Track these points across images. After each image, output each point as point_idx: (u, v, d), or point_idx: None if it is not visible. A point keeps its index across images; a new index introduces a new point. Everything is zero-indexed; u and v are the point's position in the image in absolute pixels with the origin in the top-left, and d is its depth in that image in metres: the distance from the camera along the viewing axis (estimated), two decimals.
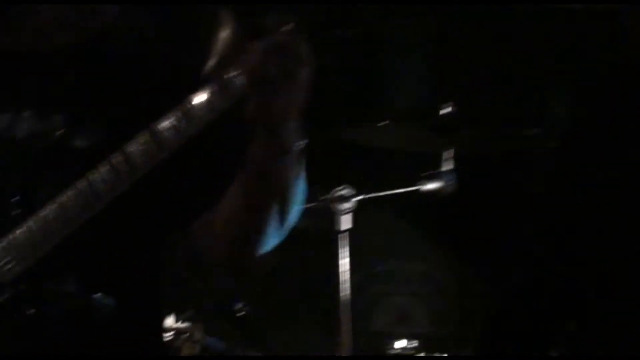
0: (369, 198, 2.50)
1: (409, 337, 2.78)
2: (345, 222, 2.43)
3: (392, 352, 2.73)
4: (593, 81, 3.28)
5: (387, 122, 2.69)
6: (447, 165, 2.56)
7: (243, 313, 2.44)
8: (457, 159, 2.58)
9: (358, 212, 2.46)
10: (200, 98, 1.03)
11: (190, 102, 1.03)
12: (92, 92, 1.13)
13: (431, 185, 2.54)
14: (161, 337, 1.30)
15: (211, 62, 1.07)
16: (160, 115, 1.03)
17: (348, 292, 2.46)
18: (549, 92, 3.44)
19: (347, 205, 2.43)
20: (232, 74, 1.02)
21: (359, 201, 2.46)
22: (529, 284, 3.25)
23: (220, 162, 1.13)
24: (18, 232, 1.04)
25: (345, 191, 2.43)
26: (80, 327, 1.08)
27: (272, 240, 1.12)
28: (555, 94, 3.42)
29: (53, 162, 1.10)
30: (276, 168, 1.04)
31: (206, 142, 1.07)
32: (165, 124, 1.03)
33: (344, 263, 2.46)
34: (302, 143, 1.05)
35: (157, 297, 1.21)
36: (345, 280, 2.46)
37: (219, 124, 1.04)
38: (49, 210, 1.04)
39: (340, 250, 2.46)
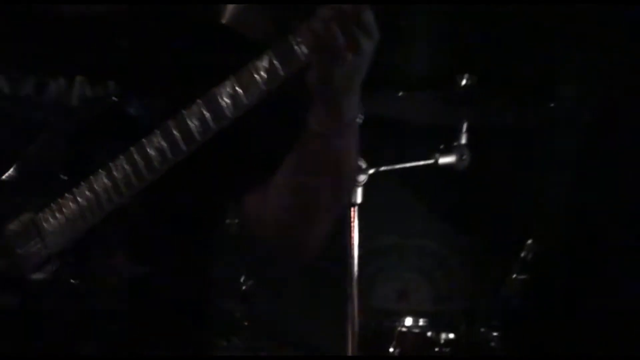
0: (381, 172, 2.43)
1: (414, 314, 2.75)
2: (356, 196, 2.36)
3: (399, 328, 2.68)
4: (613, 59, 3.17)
5: (401, 93, 2.61)
6: (462, 139, 2.49)
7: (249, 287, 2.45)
8: (472, 132, 2.50)
9: (368, 186, 2.39)
10: (261, 65, 0.96)
11: (250, 70, 0.96)
12: (147, 59, 1.10)
13: (445, 160, 2.47)
14: (210, 316, 1.22)
15: (273, 28, 1.07)
16: (217, 83, 0.97)
17: (356, 266, 2.41)
18: (567, 65, 3.35)
19: (359, 178, 2.36)
20: (296, 39, 0.95)
21: (370, 175, 2.39)
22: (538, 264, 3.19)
23: (278, 132, 1.07)
24: (68, 202, 1.02)
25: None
26: (125, 301, 1.07)
27: (330, 219, 1.08)
28: (574, 66, 3.33)
29: (107, 128, 1.07)
30: (335, 140, 0.99)
31: (265, 112, 1.01)
32: (223, 91, 0.97)
33: (354, 237, 2.39)
34: (361, 116, 1.02)
35: (209, 276, 1.19)
36: (353, 254, 2.40)
37: (278, 93, 0.98)
38: (99, 179, 1.01)
39: (350, 224, 2.39)
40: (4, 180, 1.05)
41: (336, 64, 0.93)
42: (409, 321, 2.71)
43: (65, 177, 1.05)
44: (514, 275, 2.77)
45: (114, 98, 1.07)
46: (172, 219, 1.09)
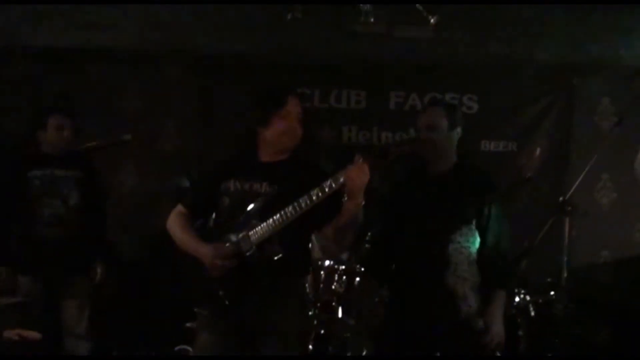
0: None
1: None
2: None
3: None
4: None
5: None
6: None
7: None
8: None
9: None
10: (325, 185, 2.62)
11: (326, 185, 2.62)
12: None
13: None
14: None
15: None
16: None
17: None
18: None
19: None
20: (340, 179, 2.60)
21: None
22: None
23: (333, 208, 2.66)
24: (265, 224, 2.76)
25: None
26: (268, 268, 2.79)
27: (352, 239, 2.83)
28: None
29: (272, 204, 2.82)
30: (354, 213, 2.64)
31: (328, 200, 2.63)
32: (317, 190, 2.61)
33: None
34: (363, 204, 2.64)
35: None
36: None
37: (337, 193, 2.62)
38: (282, 212, 2.71)
39: None
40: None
41: (355, 187, 2.58)
42: None
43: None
44: None
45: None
46: (299, 232, 2.82)
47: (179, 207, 2.99)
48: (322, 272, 4.12)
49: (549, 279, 4.52)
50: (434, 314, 3.00)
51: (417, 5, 4.96)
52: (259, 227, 2.72)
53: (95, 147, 4.82)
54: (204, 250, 2.80)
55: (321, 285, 4.12)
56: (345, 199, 2.59)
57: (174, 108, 5.63)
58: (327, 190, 2.56)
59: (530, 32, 5.35)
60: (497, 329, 3.02)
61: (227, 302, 2.77)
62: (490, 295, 3.04)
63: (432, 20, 5.00)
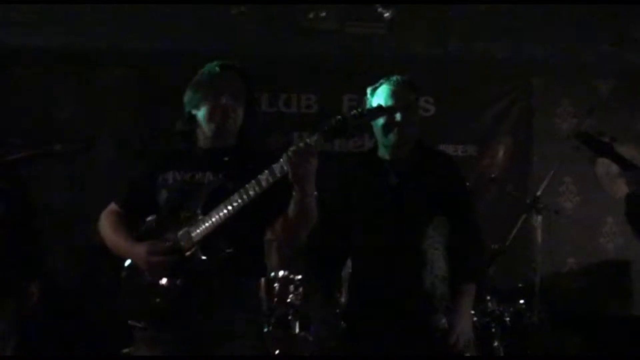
0: None
1: None
2: None
3: None
4: None
5: None
6: None
7: None
8: None
9: None
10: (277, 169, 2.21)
11: (277, 168, 2.20)
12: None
13: None
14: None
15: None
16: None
17: None
18: None
19: None
20: (284, 164, 2.18)
21: None
22: None
23: (285, 196, 2.27)
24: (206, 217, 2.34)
25: None
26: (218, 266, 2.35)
27: (306, 229, 2.38)
28: None
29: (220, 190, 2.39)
30: (305, 202, 2.25)
31: (280, 188, 2.23)
32: (265, 176, 2.22)
33: None
34: (315, 194, 2.27)
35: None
36: None
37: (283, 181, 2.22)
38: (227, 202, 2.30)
39: None
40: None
41: (302, 173, 2.17)
42: None
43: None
44: None
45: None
46: (249, 227, 2.39)
47: (112, 206, 2.61)
48: (275, 285, 3.72)
49: (520, 285, 4.24)
50: (408, 325, 2.62)
51: None
52: (202, 222, 2.32)
53: (22, 159, 4.36)
54: (137, 250, 2.39)
55: (275, 299, 3.71)
56: (294, 190, 2.22)
57: (111, 114, 5.20)
58: (278, 174, 2.18)
59: (489, 29, 5.11)
60: (463, 328, 2.62)
61: (167, 311, 2.36)
62: (458, 290, 2.67)
63: (386, 15, 4.73)
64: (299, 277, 3.71)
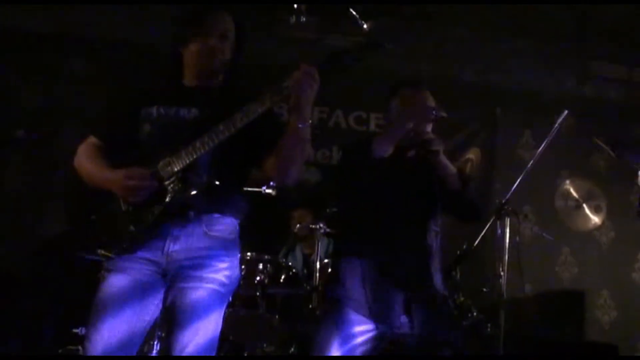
0: None
1: None
2: None
3: None
4: None
5: None
6: None
7: None
8: None
9: None
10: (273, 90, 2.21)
11: (267, 96, 2.21)
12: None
13: None
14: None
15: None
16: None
17: None
18: None
19: None
20: (286, 85, 2.18)
21: None
22: None
23: (278, 127, 2.26)
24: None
25: None
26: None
27: (301, 163, 2.29)
28: None
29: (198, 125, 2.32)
30: (301, 129, 2.19)
31: (269, 115, 2.22)
32: (254, 106, 2.20)
33: None
34: (312, 118, 2.38)
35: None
36: None
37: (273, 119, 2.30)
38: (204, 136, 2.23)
39: None
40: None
41: (302, 94, 2.17)
42: None
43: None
44: None
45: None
46: (232, 162, 2.32)
47: (90, 138, 2.48)
48: (242, 266, 3.63)
49: (484, 289, 4.23)
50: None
51: (350, 10, 4.80)
52: (184, 153, 2.25)
53: None
54: (114, 175, 2.29)
55: (241, 282, 3.61)
56: (290, 116, 2.19)
57: (78, 104, 5.09)
58: (268, 103, 2.16)
59: (461, 53, 5.29)
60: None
61: (140, 239, 2.27)
62: None
63: (365, 27, 4.84)
64: (267, 256, 3.63)
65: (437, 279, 2.67)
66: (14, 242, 4.83)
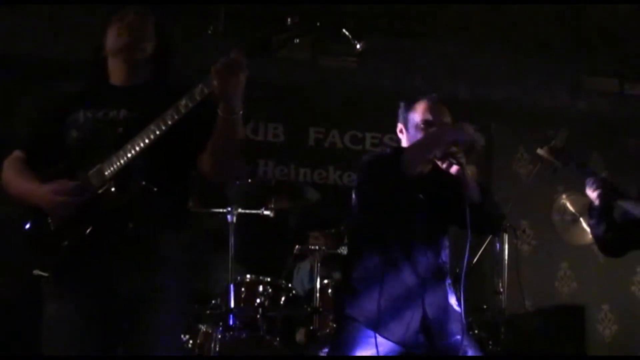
0: None
1: None
2: None
3: None
4: None
5: None
6: None
7: None
8: None
9: None
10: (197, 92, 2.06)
11: (197, 91, 2.06)
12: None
13: None
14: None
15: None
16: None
17: None
18: None
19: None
20: (205, 86, 2.05)
21: None
22: None
23: (210, 122, 2.11)
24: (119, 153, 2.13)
25: None
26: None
27: (235, 157, 2.21)
28: None
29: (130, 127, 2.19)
30: (231, 120, 2.09)
31: (202, 109, 2.07)
32: (184, 101, 2.06)
33: None
34: (243, 108, 2.10)
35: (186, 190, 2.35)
36: None
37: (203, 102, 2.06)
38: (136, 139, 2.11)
39: None
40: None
41: (229, 84, 2.02)
42: None
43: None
44: None
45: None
46: (168, 164, 2.21)
47: (15, 153, 2.35)
48: (242, 289, 3.61)
49: (484, 306, 4.23)
50: None
51: (344, 30, 4.82)
52: (116, 157, 2.12)
53: None
54: (41, 191, 2.16)
55: (241, 304, 3.60)
56: (219, 108, 2.06)
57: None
58: (198, 97, 2.03)
59: (454, 69, 5.31)
60: None
61: (75, 259, 2.12)
62: None
63: (358, 47, 4.86)
64: (268, 279, 3.61)
65: (451, 296, 2.66)
66: None
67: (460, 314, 2.57)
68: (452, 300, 2.65)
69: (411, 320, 2.55)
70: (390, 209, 2.63)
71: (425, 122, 2.69)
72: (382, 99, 5.41)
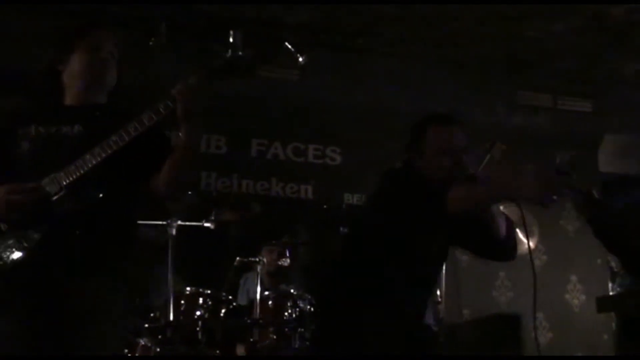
0: None
1: None
2: None
3: None
4: None
5: None
6: None
7: None
8: None
9: None
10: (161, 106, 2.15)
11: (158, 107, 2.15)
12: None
13: None
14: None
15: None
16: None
17: None
18: None
19: None
20: (170, 102, 2.14)
21: None
22: None
23: (164, 147, 2.25)
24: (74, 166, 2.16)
25: None
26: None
27: (186, 176, 2.27)
28: None
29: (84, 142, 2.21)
30: (191, 141, 2.18)
31: (158, 143, 2.25)
32: (148, 114, 2.14)
33: None
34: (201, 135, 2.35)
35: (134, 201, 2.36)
36: None
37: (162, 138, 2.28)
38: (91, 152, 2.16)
39: None
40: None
41: (184, 108, 2.11)
42: None
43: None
44: None
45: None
46: (123, 178, 2.23)
47: None
48: (182, 301, 3.59)
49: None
50: None
51: (286, 43, 4.86)
52: (72, 167, 2.15)
53: None
54: None
55: (181, 317, 3.58)
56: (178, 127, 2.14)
57: None
58: (162, 110, 2.11)
59: (395, 83, 5.41)
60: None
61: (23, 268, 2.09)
62: None
63: (300, 60, 4.91)
64: (208, 291, 3.61)
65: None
66: None
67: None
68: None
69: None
70: (402, 231, 2.56)
71: (450, 151, 2.61)
72: (325, 112, 5.49)
